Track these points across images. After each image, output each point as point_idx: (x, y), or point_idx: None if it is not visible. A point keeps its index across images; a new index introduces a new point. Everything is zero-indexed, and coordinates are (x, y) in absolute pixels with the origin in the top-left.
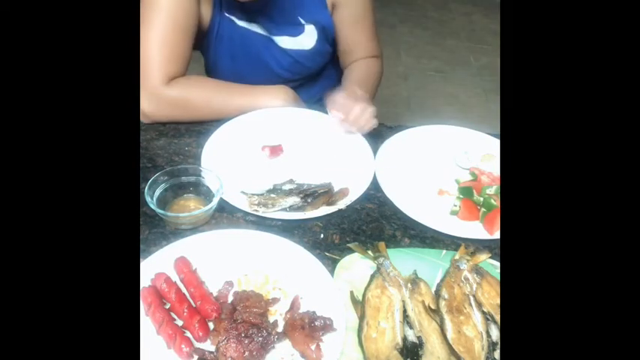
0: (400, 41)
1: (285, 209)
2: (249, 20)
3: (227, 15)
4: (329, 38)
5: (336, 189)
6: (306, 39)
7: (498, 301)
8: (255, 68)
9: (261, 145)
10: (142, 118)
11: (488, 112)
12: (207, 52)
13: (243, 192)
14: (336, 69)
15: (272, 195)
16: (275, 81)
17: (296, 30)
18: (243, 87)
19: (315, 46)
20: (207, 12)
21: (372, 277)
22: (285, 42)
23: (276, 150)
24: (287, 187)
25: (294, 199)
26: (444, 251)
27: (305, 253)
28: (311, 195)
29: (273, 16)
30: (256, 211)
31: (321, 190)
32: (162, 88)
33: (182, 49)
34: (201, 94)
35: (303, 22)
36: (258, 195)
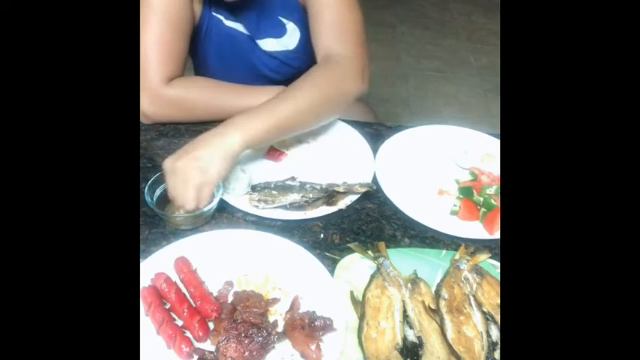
0: (400, 41)
1: (285, 206)
2: (236, 20)
3: (215, 14)
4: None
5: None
6: (290, 39)
7: (498, 301)
8: (242, 68)
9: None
10: (143, 119)
11: (488, 112)
12: (196, 51)
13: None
14: None
15: (273, 192)
16: (262, 81)
17: (279, 31)
18: (244, 87)
19: (298, 45)
20: (197, 10)
21: (372, 277)
22: (269, 45)
23: (279, 155)
24: (288, 183)
25: (295, 197)
26: (444, 251)
27: (305, 253)
28: (311, 193)
29: (256, 18)
30: (256, 206)
31: (322, 195)
32: (162, 88)
33: (179, 49)
34: (202, 95)
35: (284, 21)
36: (258, 192)
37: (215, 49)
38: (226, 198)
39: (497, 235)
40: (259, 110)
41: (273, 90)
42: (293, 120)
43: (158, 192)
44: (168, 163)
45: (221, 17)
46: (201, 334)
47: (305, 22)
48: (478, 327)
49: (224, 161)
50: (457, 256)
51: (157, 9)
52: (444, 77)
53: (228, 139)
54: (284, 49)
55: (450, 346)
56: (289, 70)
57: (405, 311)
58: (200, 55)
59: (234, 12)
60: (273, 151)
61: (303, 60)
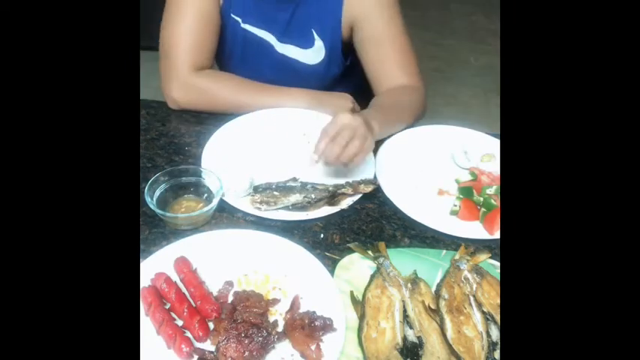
0: None
1: (287, 207)
2: (255, 25)
3: (233, 16)
4: (337, 60)
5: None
6: (314, 54)
7: (498, 301)
8: (247, 71)
9: (261, 146)
10: (171, 105)
11: (488, 112)
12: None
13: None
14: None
15: (275, 193)
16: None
17: (306, 42)
18: (269, 87)
19: (320, 65)
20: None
21: (372, 277)
22: (291, 51)
23: None
24: (290, 184)
25: (296, 198)
26: (444, 251)
27: (305, 253)
28: (313, 193)
29: (287, 23)
30: (258, 208)
31: (325, 195)
32: (191, 76)
33: (208, 39)
34: (229, 87)
35: (315, 36)
36: (260, 193)
37: (227, 48)
38: (227, 198)
39: (497, 235)
40: (381, 115)
41: (295, 91)
42: (390, 129)
43: (158, 192)
44: (341, 114)
45: (238, 19)
46: (201, 334)
47: (335, 48)
48: (478, 327)
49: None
50: (457, 256)
51: (189, 1)
52: (444, 77)
53: (372, 125)
54: (304, 61)
55: (450, 346)
56: (300, 84)
57: (405, 311)
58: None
59: (260, 14)
60: None
61: (319, 80)
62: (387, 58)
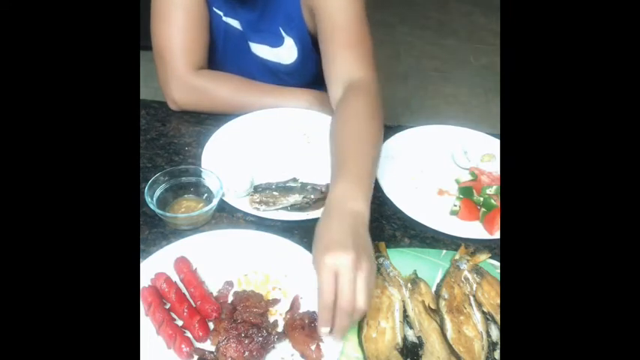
0: (400, 41)
1: (286, 208)
2: (235, 17)
3: (215, 9)
4: (312, 56)
5: None
6: (286, 53)
7: (498, 301)
8: (229, 66)
9: (261, 146)
10: (172, 106)
11: (488, 112)
12: None
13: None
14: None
15: (274, 193)
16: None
17: (276, 41)
18: (269, 86)
19: (294, 63)
20: None
21: None
22: (263, 51)
23: None
24: (290, 184)
25: (296, 198)
26: (444, 251)
27: (305, 253)
28: (313, 194)
29: (256, 22)
30: (257, 209)
31: (322, 196)
32: (191, 76)
33: (201, 36)
34: (228, 87)
35: (283, 34)
36: (259, 192)
37: (210, 45)
38: (227, 198)
39: (497, 235)
40: (355, 175)
41: (297, 91)
42: (373, 173)
43: (158, 192)
44: (322, 260)
45: (220, 12)
46: (201, 334)
47: (305, 43)
48: (478, 327)
49: (366, 233)
50: (457, 256)
51: (177, 1)
52: (444, 77)
53: (359, 212)
54: (277, 60)
55: (450, 346)
56: (280, 84)
57: (405, 311)
58: None
59: (235, 10)
60: None
61: (297, 80)
62: (340, 51)
